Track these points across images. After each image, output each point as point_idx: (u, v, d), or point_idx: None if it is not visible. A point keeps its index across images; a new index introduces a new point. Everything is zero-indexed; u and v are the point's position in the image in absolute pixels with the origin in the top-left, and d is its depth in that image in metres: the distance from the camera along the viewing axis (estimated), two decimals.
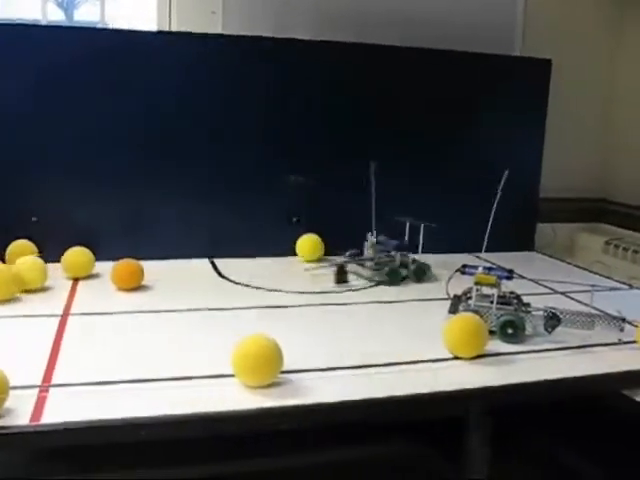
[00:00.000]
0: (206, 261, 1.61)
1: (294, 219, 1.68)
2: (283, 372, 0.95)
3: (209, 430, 0.87)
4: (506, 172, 1.41)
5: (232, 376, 0.93)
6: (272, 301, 1.33)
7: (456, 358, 1.05)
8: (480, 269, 1.23)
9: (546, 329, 1.12)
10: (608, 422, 1.35)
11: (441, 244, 1.64)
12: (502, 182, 1.40)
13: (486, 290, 1.19)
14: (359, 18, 1.76)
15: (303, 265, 1.60)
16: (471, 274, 1.22)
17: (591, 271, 1.73)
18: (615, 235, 2.02)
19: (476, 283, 1.20)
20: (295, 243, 1.66)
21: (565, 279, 1.43)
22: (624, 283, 1.59)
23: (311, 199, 1.64)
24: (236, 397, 0.89)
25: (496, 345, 1.11)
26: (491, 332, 1.13)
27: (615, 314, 1.14)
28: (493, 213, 1.39)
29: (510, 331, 1.12)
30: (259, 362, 0.89)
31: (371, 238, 1.56)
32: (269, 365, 0.90)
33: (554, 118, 1.90)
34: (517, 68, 1.86)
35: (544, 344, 1.13)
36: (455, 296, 1.26)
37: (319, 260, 1.64)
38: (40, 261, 1.35)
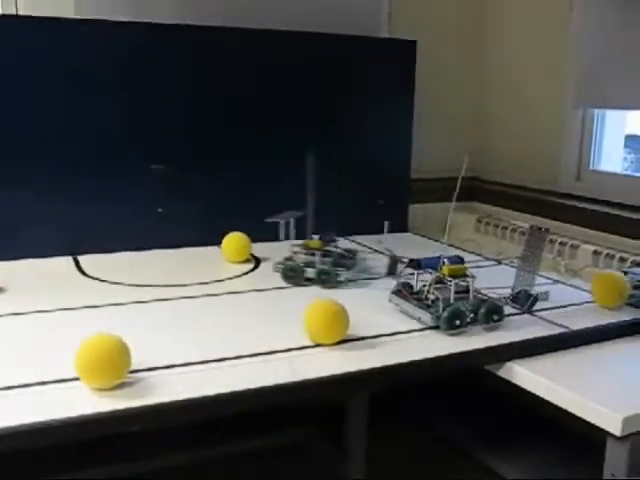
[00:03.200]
0: (69, 259, 1.53)
1: (159, 209, 1.62)
2: (135, 371, 0.90)
3: (57, 438, 0.81)
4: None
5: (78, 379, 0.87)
6: (135, 296, 1.27)
7: (318, 345, 1.04)
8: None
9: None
10: (477, 396, 1.39)
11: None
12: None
13: None
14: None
15: (172, 257, 1.56)
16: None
17: (464, 249, 1.77)
18: (486, 213, 2.08)
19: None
20: (162, 234, 1.61)
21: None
22: (493, 259, 1.64)
23: (177, 188, 1.59)
24: (82, 401, 0.83)
25: (358, 329, 1.10)
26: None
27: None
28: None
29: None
30: (102, 362, 0.84)
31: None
32: (113, 364, 0.85)
33: (423, 100, 1.92)
34: (381, 50, 1.86)
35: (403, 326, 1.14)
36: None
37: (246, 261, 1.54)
38: None
